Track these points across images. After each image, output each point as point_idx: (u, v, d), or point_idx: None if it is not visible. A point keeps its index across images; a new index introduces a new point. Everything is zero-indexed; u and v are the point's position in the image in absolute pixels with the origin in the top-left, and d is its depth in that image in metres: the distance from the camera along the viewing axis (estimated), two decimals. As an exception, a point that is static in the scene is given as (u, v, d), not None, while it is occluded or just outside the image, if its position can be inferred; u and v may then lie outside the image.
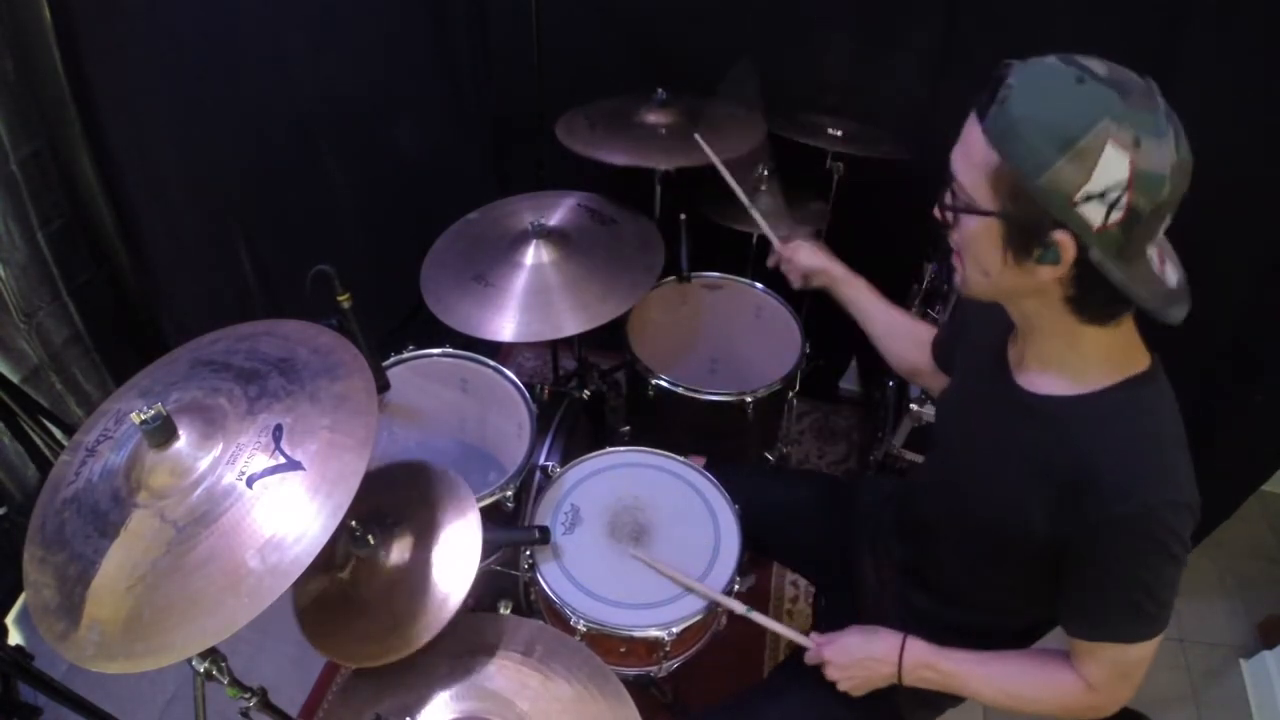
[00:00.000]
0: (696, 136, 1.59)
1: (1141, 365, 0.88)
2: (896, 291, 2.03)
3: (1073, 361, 0.89)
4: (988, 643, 1.10)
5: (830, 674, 1.14)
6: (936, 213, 0.87)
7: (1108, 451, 0.84)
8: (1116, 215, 0.73)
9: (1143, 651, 0.91)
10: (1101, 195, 0.73)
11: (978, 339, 1.08)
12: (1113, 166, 0.72)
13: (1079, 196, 0.73)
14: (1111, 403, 0.86)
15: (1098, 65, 0.74)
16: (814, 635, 1.20)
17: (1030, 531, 0.92)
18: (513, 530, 1.42)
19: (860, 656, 1.11)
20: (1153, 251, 0.80)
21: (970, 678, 1.05)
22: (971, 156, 0.80)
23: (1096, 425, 0.86)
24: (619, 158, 1.62)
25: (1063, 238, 0.76)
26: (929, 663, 1.07)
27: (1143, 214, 0.74)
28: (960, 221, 0.84)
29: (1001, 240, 0.81)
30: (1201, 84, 1.39)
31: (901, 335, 1.32)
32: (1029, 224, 0.78)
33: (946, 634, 1.10)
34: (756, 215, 1.53)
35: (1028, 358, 0.95)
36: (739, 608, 1.27)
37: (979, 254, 0.85)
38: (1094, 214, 0.74)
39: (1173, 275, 0.82)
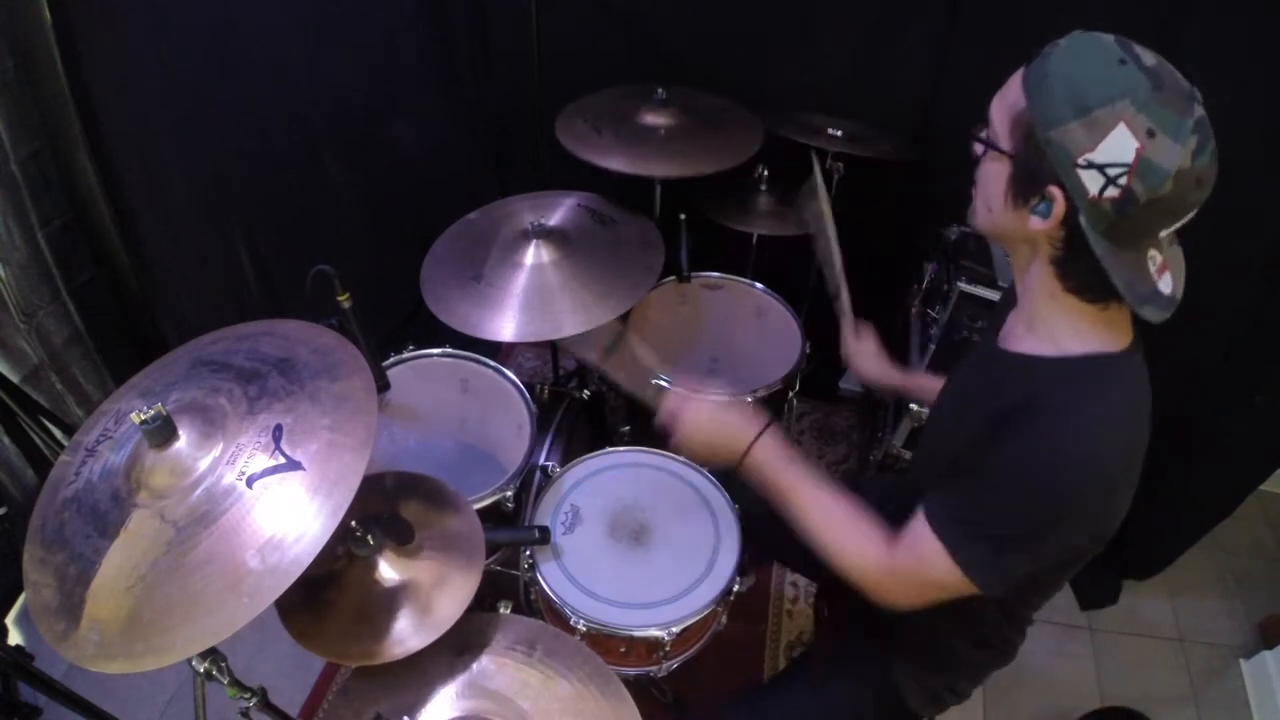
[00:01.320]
0: (809, 221, 1.52)
1: (1121, 344, 0.88)
2: (897, 291, 2.04)
3: (1054, 326, 0.90)
4: (985, 633, 1.10)
5: (678, 431, 1.10)
6: (973, 141, 0.91)
7: (1052, 399, 0.85)
8: (1112, 192, 0.76)
9: (949, 571, 0.89)
10: (1102, 168, 0.76)
11: (988, 322, 1.12)
12: (1120, 145, 0.74)
13: (1081, 160, 0.77)
14: (1073, 367, 0.87)
15: (1149, 57, 0.77)
16: (671, 393, 1.15)
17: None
18: (513, 530, 1.42)
19: (714, 421, 1.09)
20: (1155, 254, 0.82)
21: (801, 492, 1.03)
22: (1006, 98, 0.84)
23: (1054, 378, 0.87)
24: (618, 164, 1.62)
25: (1057, 194, 0.80)
26: (776, 457, 1.05)
27: (1138, 200, 0.76)
28: (983, 156, 0.89)
29: (1008, 181, 0.85)
30: (1202, 86, 1.39)
31: None
32: (1033, 171, 0.81)
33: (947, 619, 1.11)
34: (842, 305, 1.46)
35: (1019, 321, 0.96)
36: None
37: (987, 190, 0.89)
38: (1091, 182, 0.77)
39: (1167, 285, 0.83)
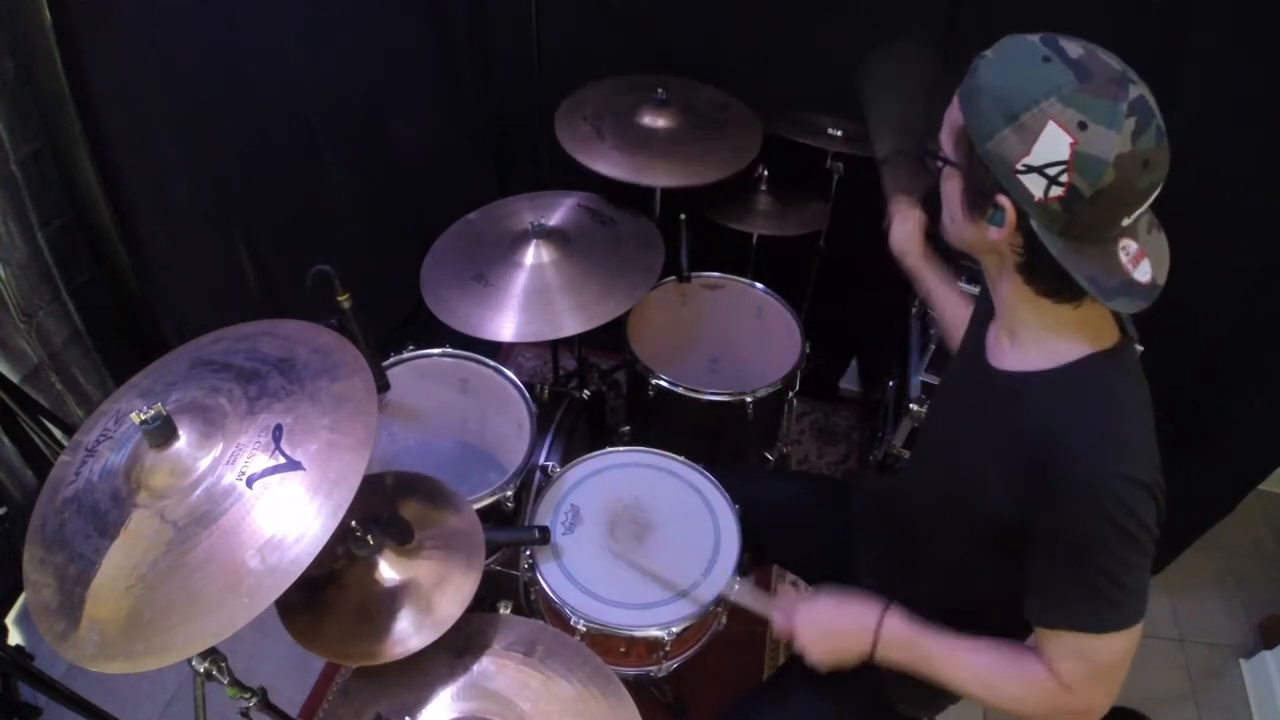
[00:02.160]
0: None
1: (1107, 342, 0.88)
2: (896, 291, 2.04)
3: (1037, 334, 0.90)
4: (980, 632, 1.10)
5: (800, 643, 1.06)
6: (924, 157, 0.93)
7: (1064, 423, 0.84)
8: (1056, 191, 0.77)
9: (1111, 646, 0.86)
10: (1041, 169, 0.76)
11: (969, 333, 1.10)
12: (1053, 144, 0.75)
13: (1020, 166, 0.77)
14: (1071, 376, 0.87)
15: (1074, 48, 0.77)
16: (779, 601, 1.12)
17: (997, 512, 0.91)
18: (513, 530, 1.42)
19: (832, 627, 1.05)
20: (1128, 244, 0.81)
21: (946, 660, 0.99)
22: (950, 114, 0.86)
23: (1055, 398, 0.87)
24: (620, 172, 1.62)
25: (1006, 202, 0.81)
26: (906, 639, 1.01)
27: (1083, 194, 0.76)
28: (941, 172, 0.91)
29: (960, 193, 0.88)
30: (1203, 83, 1.39)
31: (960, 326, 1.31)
32: (980, 183, 0.83)
33: (939, 623, 1.11)
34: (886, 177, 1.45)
35: (1001, 334, 0.96)
36: (736, 592, 1.26)
37: (948, 202, 0.91)
38: (1034, 186, 0.78)
39: (1145, 273, 0.82)
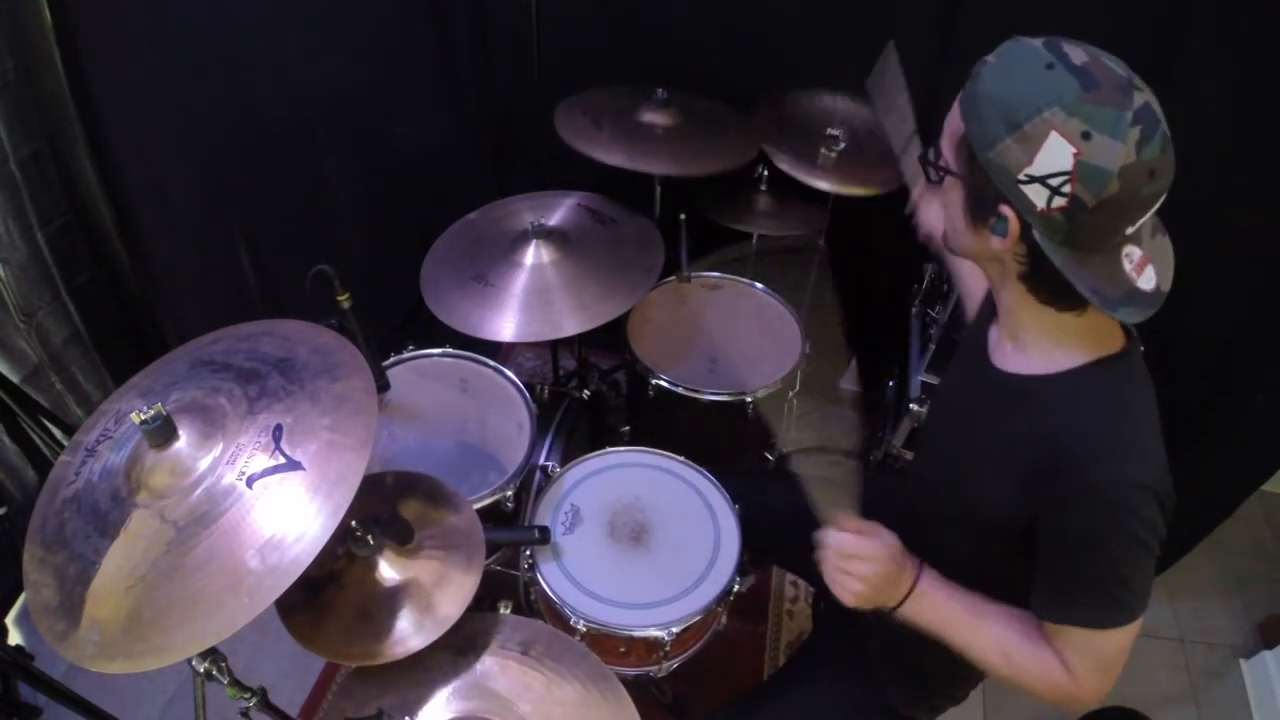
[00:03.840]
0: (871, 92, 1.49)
1: (1114, 346, 0.88)
2: (897, 291, 2.05)
3: (1041, 339, 0.89)
4: None
5: (849, 567, 0.97)
6: (921, 164, 0.91)
7: (1075, 427, 0.84)
8: (1059, 201, 0.75)
9: (1116, 641, 0.88)
10: (1043, 180, 0.75)
11: (970, 330, 1.10)
12: (1056, 154, 0.74)
13: (1022, 176, 0.76)
14: (1081, 380, 0.87)
15: (1078, 54, 0.75)
16: (846, 519, 1.02)
17: (1004, 513, 0.91)
18: (513, 530, 1.42)
19: (896, 560, 0.98)
20: (1132, 250, 0.80)
21: (969, 624, 0.96)
22: (950, 121, 0.85)
23: (1065, 402, 0.86)
24: (617, 159, 1.62)
25: (1009, 212, 0.80)
26: (937, 595, 0.98)
27: (1086, 205, 0.75)
28: (941, 181, 0.89)
29: (963, 202, 0.86)
30: (1202, 81, 1.39)
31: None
32: (982, 193, 0.82)
33: None
34: (906, 166, 1.45)
35: (1003, 336, 0.96)
36: None
37: (949, 210, 0.90)
38: (1037, 196, 0.77)
39: (1149, 281, 0.81)
